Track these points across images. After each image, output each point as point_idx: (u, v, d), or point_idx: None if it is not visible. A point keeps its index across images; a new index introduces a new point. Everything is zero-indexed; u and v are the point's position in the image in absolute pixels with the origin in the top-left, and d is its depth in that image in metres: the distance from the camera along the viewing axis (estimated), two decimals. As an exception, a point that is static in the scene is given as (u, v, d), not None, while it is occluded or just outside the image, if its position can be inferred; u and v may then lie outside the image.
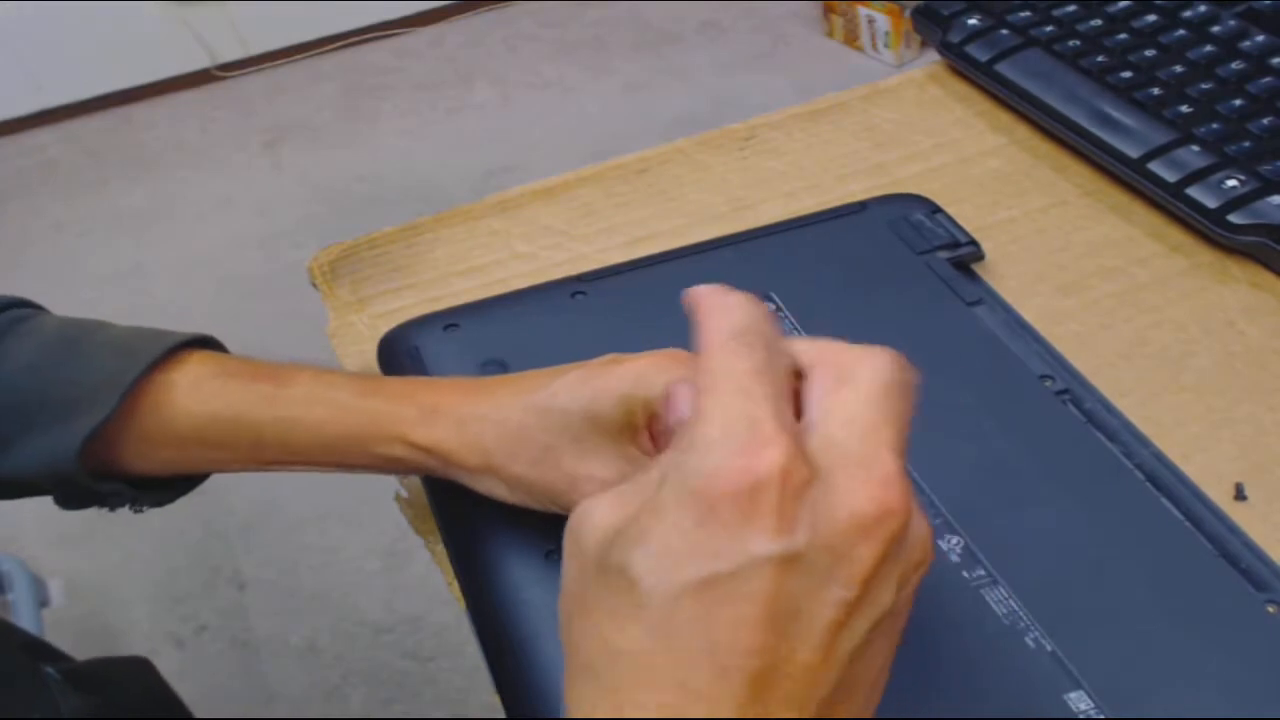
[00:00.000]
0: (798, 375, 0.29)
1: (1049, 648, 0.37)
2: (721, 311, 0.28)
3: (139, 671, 0.55)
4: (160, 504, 0.47)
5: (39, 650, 0.51)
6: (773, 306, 0.51)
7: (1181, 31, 0.64)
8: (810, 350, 0.29)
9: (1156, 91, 0.61)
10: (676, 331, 0.50)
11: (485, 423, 0.40)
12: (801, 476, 0.25)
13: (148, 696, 0.54)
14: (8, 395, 0.44)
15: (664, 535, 0.25)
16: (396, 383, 0.44)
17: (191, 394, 0.43)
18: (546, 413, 0.39)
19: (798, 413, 0.27)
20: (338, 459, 0.43)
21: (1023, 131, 0.65)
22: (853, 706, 0.26)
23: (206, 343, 0.46)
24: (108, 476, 0.45)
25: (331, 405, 0.42)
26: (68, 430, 0.42)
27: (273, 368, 0.44)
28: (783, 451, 0.25)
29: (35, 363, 0.44)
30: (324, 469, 0.44)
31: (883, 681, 0.27)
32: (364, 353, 0.55)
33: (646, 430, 0.38)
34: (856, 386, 0.27)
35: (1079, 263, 0.56)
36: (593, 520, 0.27)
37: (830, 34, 2.17)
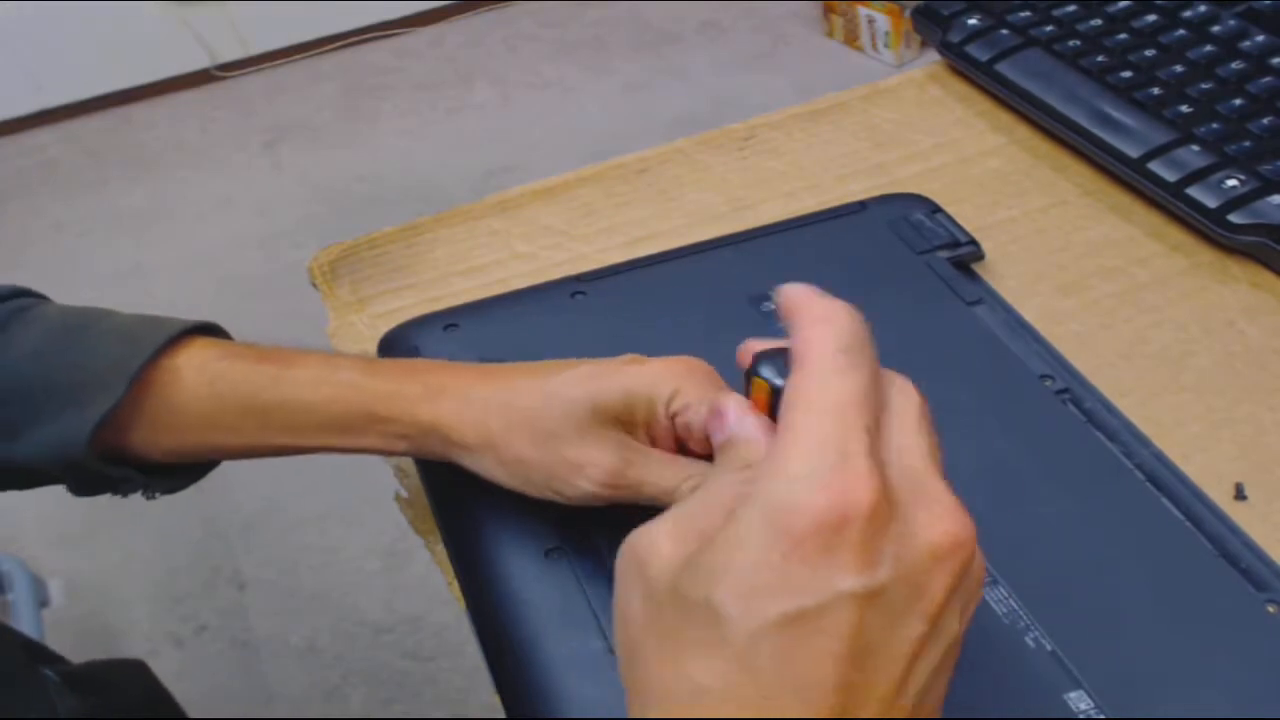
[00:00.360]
0: None
1: (1049, 647, 0.37)
2: (826, 321, 0.27)
3: (135, 674, 0.55)
4: (171, 491, 0.47)
5: (36, 653, 0.51)
6: (773, 306, 0.51)
7: (1181, 31, 0.64)
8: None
9: (1156, 91, 0.61)
10: (676, 331, 0.50)
11: (490, 403, 0.41)
12: (887, 514, 0.25)
13: (144, 698, 0.54)
14: (14, 382, 0.44)
15: (748, 568, 0.24)
16: (403, 363, 0.44)
17: (197, 378, 0.44)
18: (552, 398, 0.39)
19: None
20: (342, 439, 0.43)
21: (1023, 131, 0.65)
22: None
23: (209, 329, 0.46)
24: (118, 462, 0.45)
25: (337, 385, 0.43)
26: (78, 416, 0.42)
27: (277, 351, 0.45)
28: (873, 490, 0.24)
29: (40, 349, 0.44)
30: (329, 449, 0.44)
31: (940, 708, 0.27)
32: (364, 353, 0.55)
33: (644, 427, 0.39)
34: (902, 415, 0.27)
35: (1079, 263, 0.56)
36: (659, 550, 0.26)
37: (830, 34, 2.17)
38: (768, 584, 0.24)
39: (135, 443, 0.44)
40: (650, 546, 0.26)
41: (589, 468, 0.38)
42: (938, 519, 0.25)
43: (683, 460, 0.39)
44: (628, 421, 0.39)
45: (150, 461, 0.45)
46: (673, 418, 0.38)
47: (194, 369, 0.44)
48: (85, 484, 0.45)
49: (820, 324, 0.27)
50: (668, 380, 0.38)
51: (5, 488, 0.47)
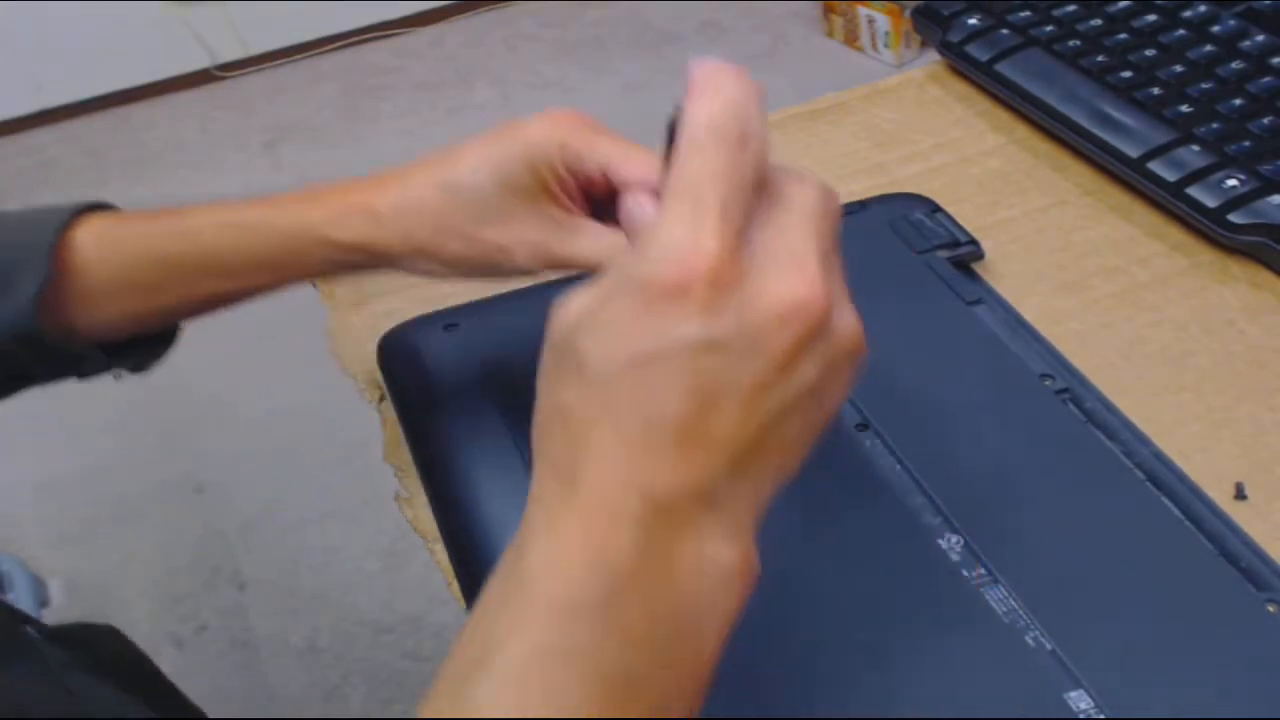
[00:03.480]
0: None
1: (1049, 647, 0.37)
2: (708, 96, 0.30)
3: (110, 635, 0.56)
4: (137, 369, 0.50)
5: (13, 613, 0.52)
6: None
7: (1181, 31, 0.64)
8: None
9: (1156, 91, 0.61)
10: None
11: (404, 211, 0.42)
12: (731, 275, 0.28)
13: (119, 656, 0.55)
14: None
15: (610, 321, 0.29)
16: (299, 195, 0.45)
17: (107, 246, 0.46)
18: (459, 189, 0.41)
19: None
20: (272, 277, 0.46)
21: (1023, 131, 0.65)
22: (765, 464, 0.29)
23: (99, 206, 0.48)
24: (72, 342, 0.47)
25: (243, 227, 0.45)
26: (13, 294, 0.44)
27: (167, 210, 0.47)
28: (715, 255, 0.28)
29: None
30: (257, 289, 0.46)
31: (798, 455, 0.31)
32: (364, 353, 0.55)
33: (563, 193, 0.41)
34: (790, 208, 0.30)
35: (1079, 262, 0.56)
36: (562, 312, 0.30)
37: (830, 34, 2.17)
38: (622, 333, 0.28)
39: (80, 320, 0.46)
40: (558, 310, 0.30)
41: (517, 248, 0.41)
42: (786, 285, 0.28)
43: (607, 233, 0.41)
44: (538, 189, 0.41)
45: (102, 340, 0.47)
46: (572, 171, 0.40)
47: (99, 240, 0.46)
48: (49, 365, 0.47)
49: (696, 100, 0.30)
50: (554, 136, 0.40)
51: None
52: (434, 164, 0.43)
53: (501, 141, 0.41)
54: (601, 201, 0.42)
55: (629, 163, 0.40)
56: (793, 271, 0.29)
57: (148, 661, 0.56)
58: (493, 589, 0.29)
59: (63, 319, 0.46)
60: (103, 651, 0.53)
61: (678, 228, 0.28)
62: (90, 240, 0.46)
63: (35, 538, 1.43)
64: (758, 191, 0.30)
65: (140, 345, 0.49)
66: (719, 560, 0.29)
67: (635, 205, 0.35)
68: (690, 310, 0.28)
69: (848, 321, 0.30)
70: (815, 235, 0.30)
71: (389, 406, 0.51)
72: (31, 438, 1.54)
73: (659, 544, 0.28)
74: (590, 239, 0.41)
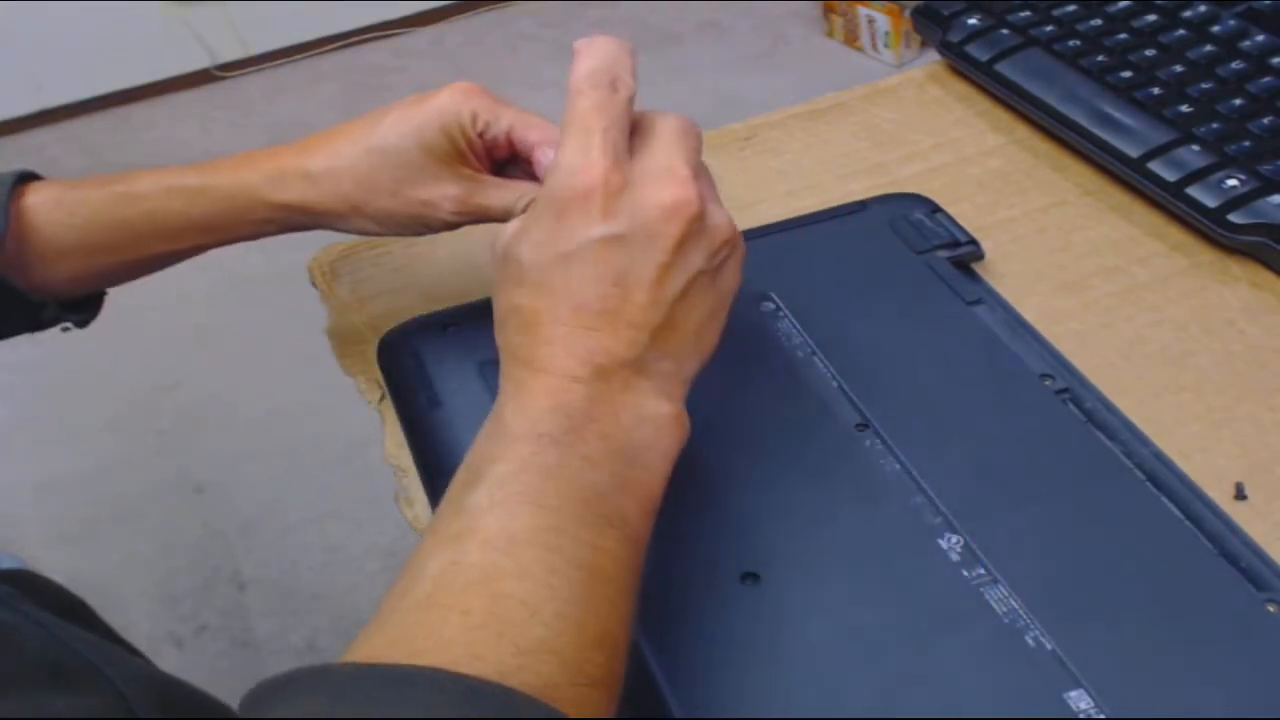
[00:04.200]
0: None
1: (1049, 646, 0.37)
2: (583, 56, 0.39)
3: (48, 582, 0.56)
4: (83, 324, 0.55)
5: None
6: (772, 306, 0.51)
7: (1181, 31, 0.64)
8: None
9: (1156, 91, 0.61)
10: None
11: (337, 172, 0.48)
12: (618, 183, 0.37)
13: (60, 598, 0.56)
14: None
15: (537, 230, 0.37)
16: (237, 159, 0.51)
17: (58, 211, 0.50)
18: (385, 152, 0.47)
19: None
20: (215, 237, 0.51)
21: (1023, 131, 0.65)
22: (680, 340, 0.38)
23: (35, 176, 0.52)
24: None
25: (187, 191, 0.50)
26: None
27: (114, 175, 0.51)
28: (602, 168, 0.36)
29: None
30: (203, 248, 0.52)
31: (708, 335, 0.39)
32: (364, 353, 0.55)
33: (472, 154, 0.47)
34: (660, 134, 0.39)
35: (1079, 262, 0.56)
36: (502, 233, 0.39)
37: (830, 34, 2.17)
38: (547, 239, 0.37)
39: (33, 279, 0.50)
40: (500, 231, 0.39)
41: (442, 201, 0.47)
42: (664, 188, 0.37)
43: (514, 186, 0.48)
44: (452, 151, 0.47)
45: (55, 295, 0.52)
46: (480, 136, 0.47)
47: (49, 205, 0.50)
48: (12, 313, 0.52)
49: (579, 59, 0.39)
50: (463, 105, 0.47)
51: None
52: (358, 129, 0.48)
53: (418, 109, 0.48)
54: (501, 163, 0.49)
55: (532, 128, 0.46)
56: (669, 178, 0.37)
57: (83, 604, 0.57)
58: (478, 446, 0.36)
59: (20, 277, 0.50)
60: (47, 601, 0.53)
61: (573, 152, 0.37)
62: (47, 205, 0.50)
63: (35, 538, 1.43)
64: (632, 127, 0.39)
65: (84, 303, 0.54)
66: (655, 411, 0.37)
67: (544, 155, 0.45)
68: (594, 213, 0.36)
69: (720, 218, 0.38)
70: (683, 151, 0.38)
71: (389, 406, 0.51)
72: (31, 438, 1.54)
73: (605, 398, 0.36)
74: (502, 191, 0.47)
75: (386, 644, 0.30)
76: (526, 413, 0.35)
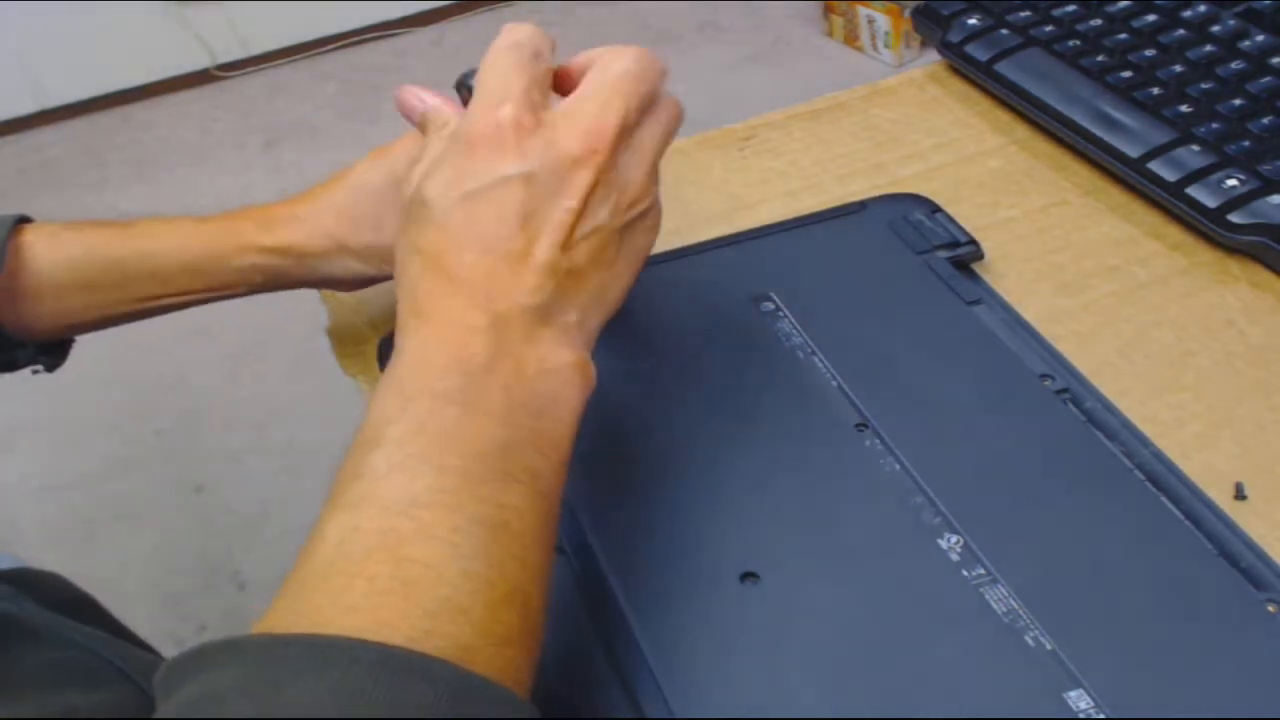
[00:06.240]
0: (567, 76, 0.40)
1: (1049, 646, 0.37)
2: (505, 34, 0.39)
3: (55, 579, 0.56)
4: (52, 367, 0.56)
5: None
6: (772, 306, 0.51)
7: (1181, 31, 0.64)
8: (587, 55, 0.40)
9: (1156, 91, 0.61)
10: (677, 330, 0.50)
11: (320, 212, 0.51)
12: (530, 123, 0.36)
13: (67, 595, 0.56)
14: None
15: (444, 168, 0.36)
16: (227, 214, 0.53)
17: (53, 248, 0.52)
18: (361, 188, 0.51)
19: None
20: (204, 281, 0.53)
21: (1023, 131, 0.65)
22: (585, 292, 0.37)
23: (29, 220, 0.54)
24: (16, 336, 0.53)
25: (179, 234, 0.52)
26: None
27: (108, 220, 0.53)
28: (515, 106, 0.36)
29: None
30: (189, 295, 0.53)
31: (613, 291, 0.38)
32: (364, 353, 0.55)
33: None
34: (602, 70, 0.38)
35: (1079, 262, 0.56)
36: (411, 176, 0.38)
37: (830, 34, 2.17)
38: (455, 177, 0.36)
39: (23, 316, 0.52)
40: (410, 174, 0.38)
41: None
42: (577, 132, 0.36)
43: None
44: None
45: (40, 336, 0.53)
46: None
47: (45, 243, 0.52)
48: None
49: (501, 36, 0.38)
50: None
51: None
52: (336, 178, 0.52)
53: (386, 153, 0.51)
54: None
55: None
56: (585, 125, 0.36)
57: (90, 599, 0.57)
58: (376, 401, 0.34)
59: (10, 313, 0.52)
60: (54, 596, 0.54)
61: (488, 93, 0.37)
62: (43, 243, 0.52)
63: (35, 538, 1.43)
64: (578, 69, 0.39)
65: (59, 346, 0.56)
66: (558, 361, 0.36)
67: (420, 97, 0.43)
68: (505, 151, 0.35)
69: (635, 174, 0.38)
70: (619, 97, 0.37)
71: (389, 406, 0.51)
72: (31, 438, 1.55)
73: (506, 348, 0.35)
74: None
75: (293, 614, 0.31)
76: (424, 369, 0.34)
